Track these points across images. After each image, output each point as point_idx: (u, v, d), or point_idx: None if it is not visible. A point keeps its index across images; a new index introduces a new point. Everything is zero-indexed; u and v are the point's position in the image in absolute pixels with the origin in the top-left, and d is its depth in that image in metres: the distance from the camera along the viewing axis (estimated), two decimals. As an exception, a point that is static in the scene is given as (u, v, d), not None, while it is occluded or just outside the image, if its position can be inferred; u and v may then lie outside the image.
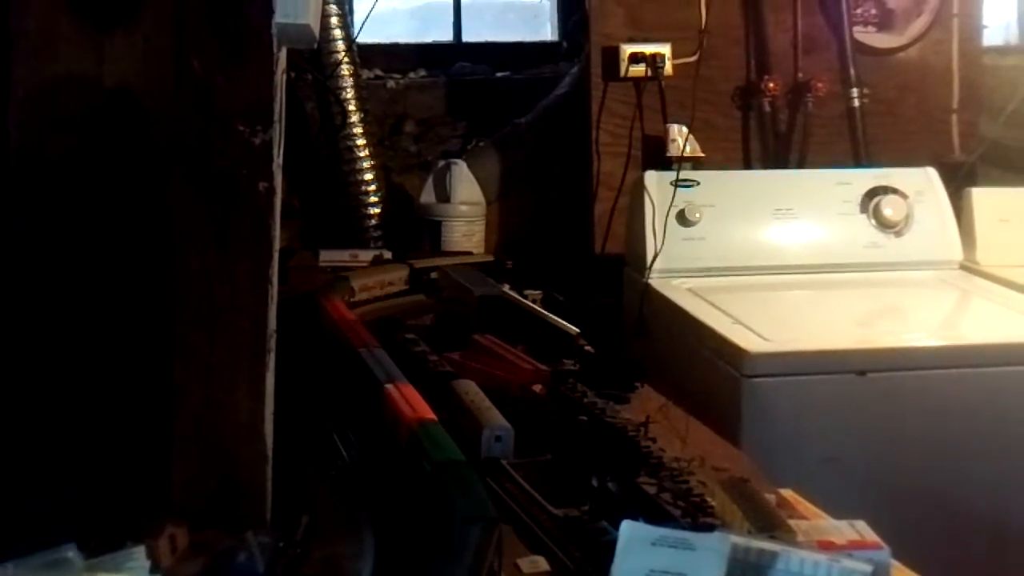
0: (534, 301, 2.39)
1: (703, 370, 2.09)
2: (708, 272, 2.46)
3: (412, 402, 1.61)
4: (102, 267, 1.28)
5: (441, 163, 3.17)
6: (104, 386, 1.28)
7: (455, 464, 1.42)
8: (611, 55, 2.92)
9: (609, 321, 2.51)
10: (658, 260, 2.44)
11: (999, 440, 2.00)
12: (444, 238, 3.11)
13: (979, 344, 2.12)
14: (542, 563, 1.29)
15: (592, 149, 2.94)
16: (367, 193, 3.19)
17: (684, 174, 2.55)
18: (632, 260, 2.57)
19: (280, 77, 1.29)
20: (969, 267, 2.54)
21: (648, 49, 2.89)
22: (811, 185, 2.62)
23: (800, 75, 2.97)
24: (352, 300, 2.41)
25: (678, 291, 2.38)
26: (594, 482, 1.43)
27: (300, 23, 1.32)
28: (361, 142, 3.17)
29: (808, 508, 1.37)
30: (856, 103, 2.95)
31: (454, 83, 3.49)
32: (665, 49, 2.89)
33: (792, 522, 1.24)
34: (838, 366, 2.01)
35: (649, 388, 1.90)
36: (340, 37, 3.12)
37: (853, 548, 1.17)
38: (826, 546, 1.17)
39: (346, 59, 3.12)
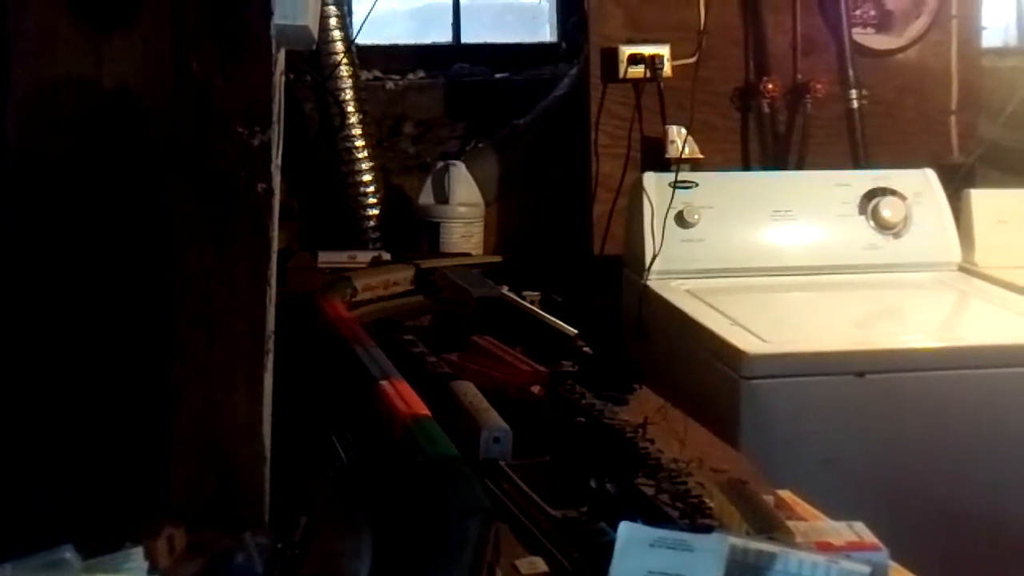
0: (532, 302, 2.39)
1: (702, 371, 2.09)
2: (707, 273, 2.46)
3: (406, 398, 1.62)
4: (101, 268, 1.28)
5: (440, 164, 3.16)
6: (103, 387, 1.28)
7: (449, 459, 1.43)
8: (610, 56, 2.92)
9: (608, 322, 2.51)
10: (657, 261, 2.44)
11: (997, 441, 2.00)
12: (443, 239, 3.11)
13: (977, 346, 2.12)
14: (540, 564, 1.29)
15: (591, 150, 2.93)
16: (366, 194, 3.19)
17: (683, 175, 2.55)
18: (631, 261, 2.57)
19: (279, 78, 1.29)
20: (968, 268, 2.54)
21: (647, 50, 2.89)
22: (810, 186, 2.62)
23: (799, 76, 2.96)
24: (355, 300, 2.41)
25: (677, 292, 2.38)
26: (592, 483, 1.43)
27: (299, 24, 1.32)
28: (360, 143, 3.17)
29: (806, 509, 1.37)
30: (855, 104, 2.95)
31: (453, 84, 3.49)
32: (664, 50, 2.89)
33: (790, 523, 1.24)
34: (837, 367, 2.01)
35: (647, 389, 1.90)
36: (339, 38, 3.12)
37: (851, 549, 1.18)
38: (824, 547, 1.17)
39: (345, 60, 3.12)
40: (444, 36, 3.66)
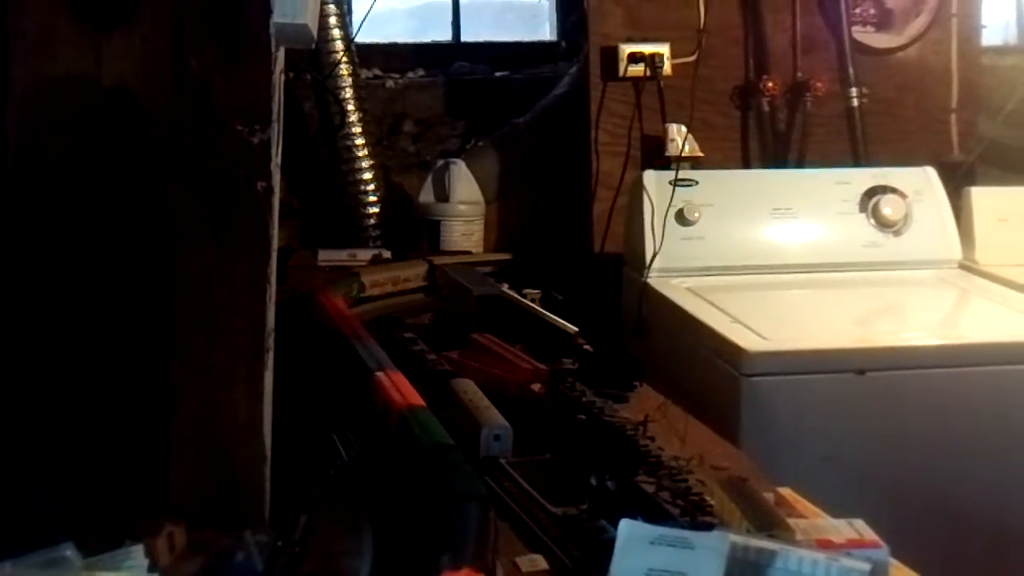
0: (533, 300, 2.39)
1: (702, 369, 2.09)
2: (707, 271, 2.46)
3: (401, 389, 1.62)
4: (100, 267, 1.28)
5: (440, 163, 3.17)
6: (102, 386, 1.28)
7: (443, 447, 1.43)
8: (610, 55, 2.92)
9: (608, 320, 2.51)
10: (657, 259, 2.44)
11: (998, 439, 2.00)
12: (443, 238, 3.11)
13: (978, 343, 2.12)
14: (541, 562, 1.29)
15: (591, 149, 2.93)
16: (366, 193, 3.19)
17: (683, 173, 2.55)
18: (631, 259, 2.57)
19: (278, 77, 1.29)
20: (968, 266, 2.54)
21: (647, 49, 2.89)
22: (810, 184, 2.62)
23: (799, 75, 2.96)
24: (362, 295, 2.40)
25: (677, 290, 2.37)
26: (593, 481, 1.43)
27: (298, 23, 1.32)
28: (360, 142, 3.17)
29: (807, 507, 1.37)
30: (855, 103, 2.95)
31: (453, 83, 3.49)
32: (664, 49, 2.89)
33: (791, 521, 1.24)
34: (837, 365, 2.01)
35: (648, 387, 1.90)
36: (339, 37, 3.11)
37: (852, 547, 1.18)
38: (825, 545, 1.17)
39: (345, 59, 3.12)
40: (444, 35, 3.66)
